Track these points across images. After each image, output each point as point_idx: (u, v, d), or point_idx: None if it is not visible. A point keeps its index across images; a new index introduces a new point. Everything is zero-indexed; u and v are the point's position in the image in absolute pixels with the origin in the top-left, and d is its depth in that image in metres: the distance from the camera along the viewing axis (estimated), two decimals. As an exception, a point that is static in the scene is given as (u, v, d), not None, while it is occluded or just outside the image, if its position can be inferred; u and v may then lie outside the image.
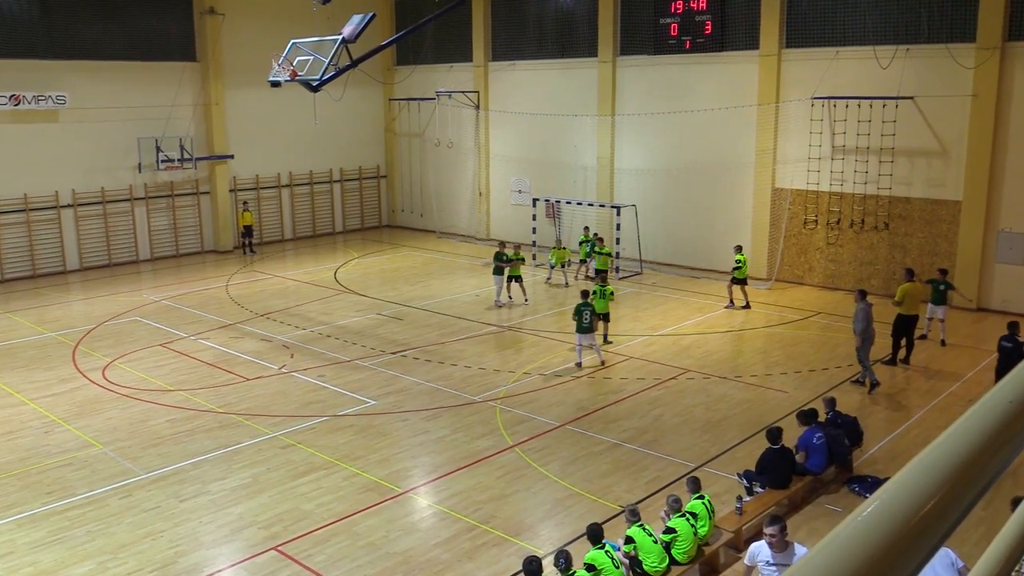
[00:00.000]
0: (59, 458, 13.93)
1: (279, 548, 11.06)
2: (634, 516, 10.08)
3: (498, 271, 23.03)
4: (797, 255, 24.95)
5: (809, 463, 12.26)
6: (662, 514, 10.82)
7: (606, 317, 19.37)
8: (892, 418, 15.28)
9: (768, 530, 8.84)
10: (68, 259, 28.36)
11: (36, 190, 27.45)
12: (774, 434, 12.10)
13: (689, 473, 12.32)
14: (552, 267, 25.89)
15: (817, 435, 12.35)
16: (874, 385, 16.23)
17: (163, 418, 15.56)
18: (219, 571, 10.66)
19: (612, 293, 19.72)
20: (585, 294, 18.38)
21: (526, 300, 23.29)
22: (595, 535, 9.62)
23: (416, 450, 14.15)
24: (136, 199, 29.65)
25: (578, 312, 17.69)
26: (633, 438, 14.37)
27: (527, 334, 20.57)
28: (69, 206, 28.21)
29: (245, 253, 30.76)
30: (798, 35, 24.09)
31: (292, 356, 19.10)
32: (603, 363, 18.05)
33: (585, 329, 17.65)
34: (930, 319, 19.17)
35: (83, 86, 27.82)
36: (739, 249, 22.51)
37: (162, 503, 12.34)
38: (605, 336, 19.43)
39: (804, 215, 24.65)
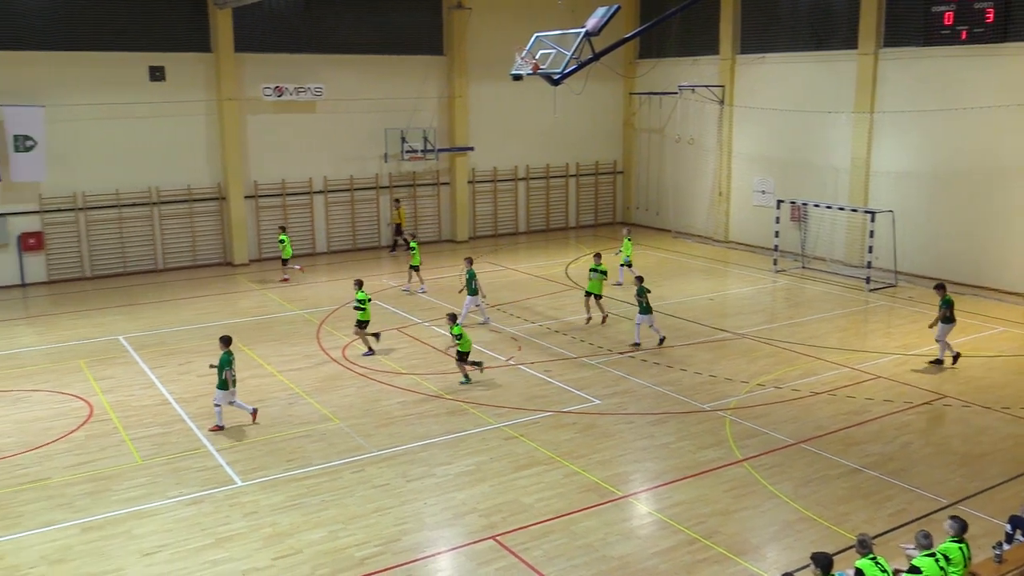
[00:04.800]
0: (300, 429, 14.76)
1: (497, 538, 11.11)
2: (864, 548, 9.14)
3: (473, 291, 20.77)
4: (1085, 275, 21.96)
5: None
6: (906, 549, 9.75)
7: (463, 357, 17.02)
8: None
9: None
10: (317, 242, 30.34)
11: (292, 176, 29.56)
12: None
13: (944, 509, 11.10)
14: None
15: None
16: None
17: (395, 399, 16.12)
18: (439, 553, 10.85)
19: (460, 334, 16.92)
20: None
21: (605, 316, 21.16)
22: (823, 564, 8.77)
23: (639, 454, 13.73)
24: (381, 187, 31.19)
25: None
26: (877, 464, 13.20)
27: (763, 343, 19.50)
28: (320, 192, 30.16)
29: (393, 251, 30.82)
30: (1101, 22, 21.18)
31: (520, 349, 19.20)
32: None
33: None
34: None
35: (338, 79, 29.59)
36: (598, 257, 21.32)
37: (391, 481, 12.75)
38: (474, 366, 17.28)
39: (1098, 229, 21.66)
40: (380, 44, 30.44)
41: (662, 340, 19.27)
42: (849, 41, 26.83)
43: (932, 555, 9.20)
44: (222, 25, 27.24)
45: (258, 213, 29.12)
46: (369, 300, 18.98)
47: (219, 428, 14.69)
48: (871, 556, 9.07)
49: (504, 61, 22.40)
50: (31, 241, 25.67)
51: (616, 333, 20.25)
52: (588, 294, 20.94)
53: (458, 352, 16.89)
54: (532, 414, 15.33)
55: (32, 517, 11.72)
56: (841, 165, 27.39)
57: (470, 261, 21.43)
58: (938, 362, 17.96)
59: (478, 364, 17.24)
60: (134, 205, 27.15)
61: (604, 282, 21.14)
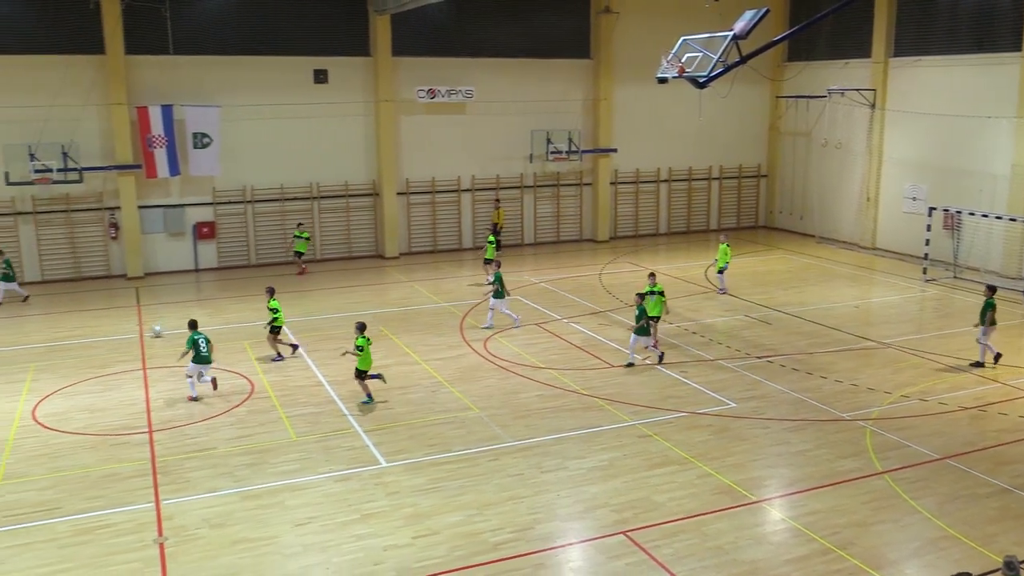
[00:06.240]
0: (441, 415, 15.45)
1: (628, 533, 11.30)
2: (1011, 570, 8.83)
3: (499, 294, 20.57)
4: None
5: None
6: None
7: (361, 375, 15.98)
8: None
9: None
10: (464, 238, 31.31)
11: (442, 174, 30.60)
12: None
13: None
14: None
15: None
16: None
17: (532, 392, 16.60)
18: (570, 544, 11.15)
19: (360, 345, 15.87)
20: None
21: (657, 350, 18.63)
22: (965, 586, 8.59)
23: (774, 460, 13.68)
24: (525, 187, 31.86)
25: None
26: (1029, 486, 12.67)
27: (910, 354, 18.92)
28: (468, 190, 31.09)
29: (498, 249, 30.55)
30: None
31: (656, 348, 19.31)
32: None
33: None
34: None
35: (487, 81, 30.43)
36: (652, 277, 19.82)
37: (525, 471, 13.18)
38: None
39: None
40: (529, 48, 31.10)
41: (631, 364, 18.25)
42: (1014, 43, 25.50)
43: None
44: (381, 30, 28.52)
45: (409, 209, 30.32)
46: (279, 310, 18.75)
47: (193, 399, 16.13)
48: (1016, 578, 8.85)
49: (650, 64, 22.49)
50: (204, 230, 27.77)
51: (755, 337, 20.09)
52: (654, 319, 18.82)
53: (356, 369, 15.96)
54: (667, 414, 15.48)
55: (198, 483, 12.80)
56: (1000, 172, 26.07)
57: (498, 264, 21.59)
58: (978, 364, 18.00)
59: (379, 376, 16.31)
60: (296, 199, 28.83)
61: (664, 303, 19.25)
